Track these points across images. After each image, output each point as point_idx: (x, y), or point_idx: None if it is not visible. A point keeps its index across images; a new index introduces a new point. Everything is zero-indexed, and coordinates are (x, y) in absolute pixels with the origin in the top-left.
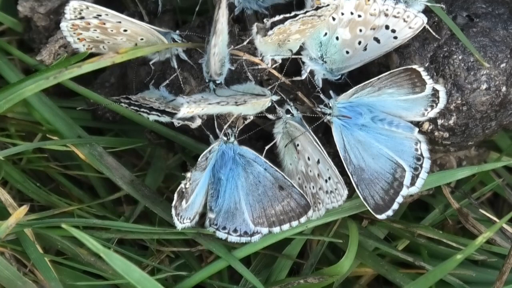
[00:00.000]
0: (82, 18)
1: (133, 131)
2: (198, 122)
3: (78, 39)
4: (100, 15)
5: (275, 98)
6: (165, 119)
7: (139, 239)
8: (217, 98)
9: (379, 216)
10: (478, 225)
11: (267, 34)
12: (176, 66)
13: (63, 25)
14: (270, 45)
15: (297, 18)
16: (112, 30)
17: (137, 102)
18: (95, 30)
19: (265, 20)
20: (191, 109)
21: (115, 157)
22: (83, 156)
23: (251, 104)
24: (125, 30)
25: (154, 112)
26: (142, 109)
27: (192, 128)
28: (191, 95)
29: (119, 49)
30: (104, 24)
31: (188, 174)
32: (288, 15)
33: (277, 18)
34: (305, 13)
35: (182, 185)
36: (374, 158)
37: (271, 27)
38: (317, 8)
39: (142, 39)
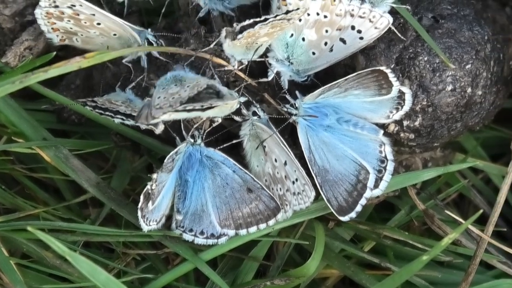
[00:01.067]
0: (56, 6)
1: (99, 133)
2: (161, 128)
3: (52, 28)
4: (74, 5)
5: (242, 100)
6: (130, 122)
7: (105, 241)
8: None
9: (342, 218)
10: (444, 226)
11: (236, 38)
12: (146, 66)
13: (37, 12)
14: (238, 48)
15: (267, 22)
16: (85, 22)
17: (103, 105)
18: (69, 20)
19: (234, 24)
20: (162, 117)
21: (80, 159)
22: (49, 158)
23: (219, 108)
24: (98, 24)
25: (119, 116)
26: (107, 113)
27: (156, 133)
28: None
29: (86, 54)
30: (78, 15)
31: (154, 176)
32: (258, 19)
33: (247, 22)
34: (275, 17)
35: (148, 186)
36: (339, 159)
37: (241, 31)
38: (287, 12)
39: (115, 34)
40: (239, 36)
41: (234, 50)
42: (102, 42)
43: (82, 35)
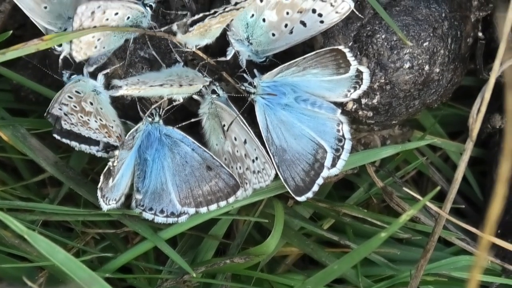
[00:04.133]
0: None
1: None
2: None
3: None
4: None
5: (207, 80)
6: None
7: (64, 221)
8: (158, 81)
9: (299, 198)
10: (402, 204)
11: (188, 31)
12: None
13: None
14: (192, 38)
15: (216, 15)
16: None
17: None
18: None
19: (184, 19)
20: (129, 91)
21: (38, 138)
22: (6, 137)
23: (192, 87)
24: None
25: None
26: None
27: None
28: (126, 78)
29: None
30: None
31: (116, 153)
32: (207, 13)
33: (197, 17)
34: (224, 9)
35: (109, 163)
36: (296, 138)
37: (191, 25)
38: (236, 3)
39: None
40: (190, 29)
41: (189, 39)
42: None
43: None
